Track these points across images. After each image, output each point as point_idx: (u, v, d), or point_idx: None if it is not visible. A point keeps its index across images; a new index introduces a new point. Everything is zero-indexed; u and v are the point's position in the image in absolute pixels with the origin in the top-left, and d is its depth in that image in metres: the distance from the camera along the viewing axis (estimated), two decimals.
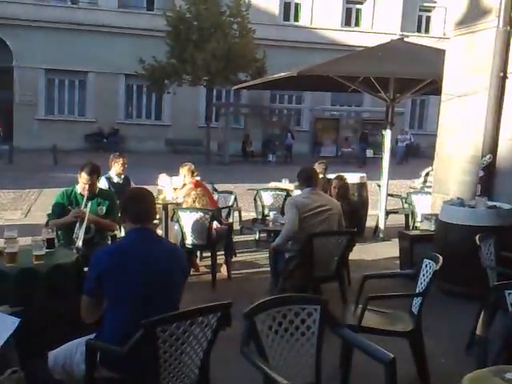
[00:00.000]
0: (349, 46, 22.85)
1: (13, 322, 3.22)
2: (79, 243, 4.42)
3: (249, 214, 8.57)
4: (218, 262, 5.91)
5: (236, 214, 7.89)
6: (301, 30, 26.67)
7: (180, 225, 5.74)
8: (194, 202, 5.78)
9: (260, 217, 7.06)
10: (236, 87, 11.79)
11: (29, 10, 23.35)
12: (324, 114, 26.52)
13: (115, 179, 6.45)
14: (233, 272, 6.02)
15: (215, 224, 5.81)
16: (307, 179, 4.90)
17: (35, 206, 10.04)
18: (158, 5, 24.82)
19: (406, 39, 8.78)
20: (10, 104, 24.05)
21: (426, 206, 7.41)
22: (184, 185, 6.51)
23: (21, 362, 3.20)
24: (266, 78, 11.02)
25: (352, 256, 5.45)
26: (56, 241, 4.22)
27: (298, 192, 7.73)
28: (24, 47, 23.27)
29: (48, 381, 2.97)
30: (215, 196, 7.28)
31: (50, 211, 4.92)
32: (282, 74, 7.75)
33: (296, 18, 27.46)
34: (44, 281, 3.51)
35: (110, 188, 5.99)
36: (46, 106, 24.89)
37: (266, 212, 7.25)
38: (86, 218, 4.55)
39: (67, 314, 3.22)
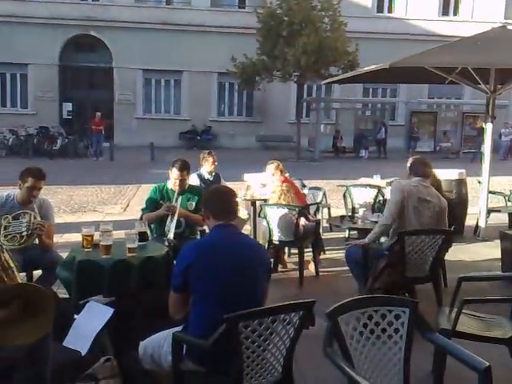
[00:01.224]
0: (446, 36, 21.77)
1: (107, 312, 3.38)
2: (170, 236, 4.58)
3: (339, 211, 8.43)
4: (306, 259, 5.85)
5: (325, 210, 7.80)
6: (395, 21, 25.89)
7: (267, 221, 5.76)
8: (279, 198, 5.77)
9: (349, 214, 6.90)
10: (326, 81, 11.59)
11: (126, 12, 24.49)
12: (420, 107, 25.53)
13: (206, 176, 6.58)
14: (321, 270, 5.94)
15: (303, 220, 5.76)
16: (418, 169, 4.69)
17: (133, 201, 10.53)
18: (249, 2, 25.08)
19: (510, 27, 8.18)
20: (111, 103, 25.45)
21: None
22: (272, 182, 6.51)
23: (114, 350, 3.35)
24: (358, 72, 10.74)
25: (449, 256, 5.18)
26: (149, 234, 4.39)
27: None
28: (122, 48, 24.47)
29: (139, 370, 3.08)
30: (304, 192, 7.22)
31: (144, 206, 5.12)
32: (374, 66, 7.51)
33: (390, 10, 26.69)
34: (136, 272, 3.65)
35: (200, 185, 6.12)
36: (144, 105, 26.05)
37: (356, 209, 7.08)
38: (177, 213, 4.69)
39: (157, 305, 3.31)
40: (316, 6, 20.23)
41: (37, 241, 4.36)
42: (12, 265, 2.76)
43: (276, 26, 20.11)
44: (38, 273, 4.53)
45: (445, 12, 26.71)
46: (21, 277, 3.47)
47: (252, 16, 20.91)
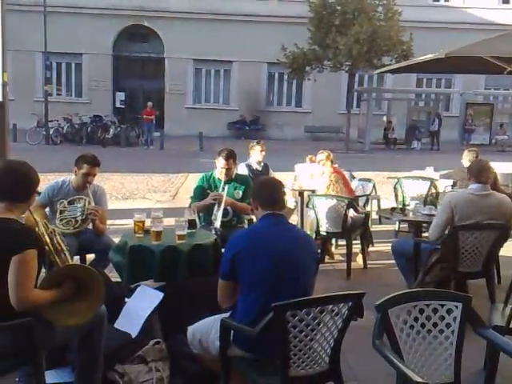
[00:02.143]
0: (506, 25, 20.94)
1: (157, 296, 3.45)
2: (217, 224, 4.61)
3: (388, 204, 8.28)
4: (354, 251, 5.79)
5: (375, 202, 7.68)
6: (451, 10, 25.11)
7: (315, 211, 5.72)
8: (328, 188, 5.72)
9: (400, 206, 6.77)
10: (379, 71, 11.43)
11: (178, 2, 24.71)
12: (476, 98, 24.73)
13: (254, 166, 6.59)
14: (369, 262, 5.87)
15: (351, 212, 5.69)
16: (478, 175, 4.36)
17: (182, 189, 10.69)
18: None
19: None
20: (162, 93, 25.86)
21: None
22: (322, 172, 6.45)
23: (163, 334, 3.43)
24: (412, 61, 10.49)
25: (504, 252, 5.01)
26: (197, 222, 4.44)
27: (444, 182, 7.32)
28: (174, 38, 24.76)
29: (187, 354, 3.14)
30: (353, 184, 7.13)
31: (192, 194, 5.19)
32: (428, 56, 7.30)
33: None
34: (185, 259, 3.71)
35: (249, 175, 6.13)
36: (194, 95, 26.33)
37: (407, 202, 6.93)
38: (224, 201, 4.73)
39: (205, 291, 3.36)
40: None
41: (90, 226, 4.48)
42: (64, 248, 2.86)
43: (328, 15, 19.92)
44: (91, 257, 4.67)
45: (505, 0, 25.68)
46: (73, 259, 3.59)
47: (303, 5, 20.73)
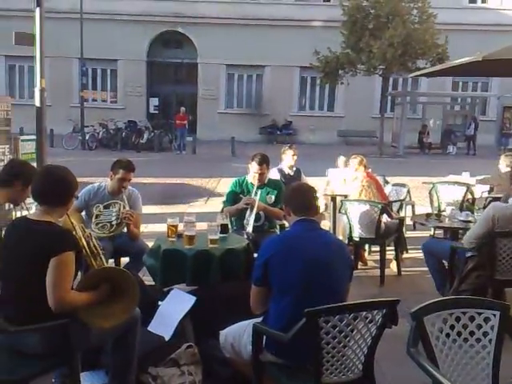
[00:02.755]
0: None
1: (189, 300, 3.48)
2: (249, 229, 4.62)
3: (423, 209, 8.15)
4: (388, 257, 5.72)
5: (409, 208, 7.56)
6: (489, 11, 24.64)
7: (348, 217, 5.68)
8: (360, 194, 5.66)
9: (435, 212, 6.65)
10: (413, 75, 11.27)
11: (211, 8, 24.90)
12: None
13: (286, 171, 6.57)
14: (403, 269, 5.79)
15: (385, 217, 5.62)
16: None
17: (214, 194, 10.75)
18: None
19: None
20: (195, 98, 26.11)
21: None
22: (355, 177, 6.40)
23: (195, 337, 3.45)
24: (447, 64, 10.33)
25: None
26: (230, 226, 4.46)
27: (481, 188, 7.16)
28: (207, 44, 24.99)
29: (219, 358, 3.15)
30: (387, 189, 7.04)
31: (225, 199, 5.21)
32: (464, 59, 7.17)
33: (483, 0, 25.38)
34: (217, 263, 3.71)
35: (281, 179, 6.13)
36: (226, 100, 26.49)
37: (443, 207, 6.81)
38: (256, 206, 4.74)
39: (237, 295, 3.36)
40: None
41: (125, 229, 4.55)
42: (100, 251, 2.91)
43: (362, 18, 19.80)
44: (125, 260, 4.73)
45: None
46: (108, 263, 3.64)
47: (336, 9, 20.65)
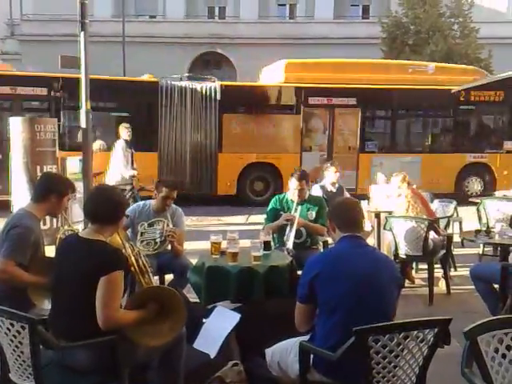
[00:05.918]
0: None
1: (234, 317, 3.46)
2: (289, 245, 4.60)
3: (471, 226, 7.92)
4: (436, 275, 5.57)
5: (456, 224, 7.37)
6: None
7: (393, 234, 5.56)
8: (406, 210, 5.54)
9: (484, 228, 6.46)
10: (455, 89, 11.06)
11: (250, 28, 25.15)
12: None
13: (329, 188, 6.52)
14: (452, 287, 5.63)
15: (432, 234, 5.48)
16: None
17: (256, 211, 10.74)
18: (373, 12, 24.69)
19: None
20: None
21: None
22: (399, 194, 6.28)
23: (241, 355, 3.42)
24: (491, 79, 10.15)
25: None
26: (272, 243, 4.44)
27: None
28: (246, 64, 25.14)
29: (265, 377, 3.11)
30: (433, 205, 6.88)
31: (266, 216, 5.19)
32: (508, 73, 7.02)
33: None
34: (261, 280, 3.70)
35: (323, 197, 6.07)
36: None
37: (492, 224, 6.59)
38: (296, 222, 4.70)
39: (282, 313, 3.33)
40: (444, 13, 19.43)
41: (169, 247, 4.59)
42: (148, 269, 2.94)
43: (401, 34, 19.63)
44: (169, 277, 4.76)
45: None
46: (155, 281, 3.68)
47: (375, 26, 20.55)
